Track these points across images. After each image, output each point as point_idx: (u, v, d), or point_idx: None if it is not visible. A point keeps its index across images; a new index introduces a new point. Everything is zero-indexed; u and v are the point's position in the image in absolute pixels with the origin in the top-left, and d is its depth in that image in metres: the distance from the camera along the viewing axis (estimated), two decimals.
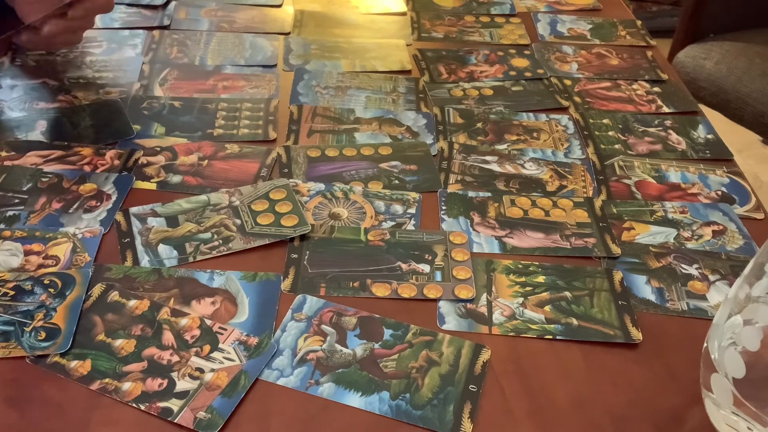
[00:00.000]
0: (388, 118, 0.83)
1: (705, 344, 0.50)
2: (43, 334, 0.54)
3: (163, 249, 0.63)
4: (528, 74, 0.93)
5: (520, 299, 0.60)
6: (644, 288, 0.62)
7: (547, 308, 0.60)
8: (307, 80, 0.88)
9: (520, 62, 0.96)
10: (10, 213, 0.65)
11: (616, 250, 0.66)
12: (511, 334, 0.57)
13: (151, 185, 0.70)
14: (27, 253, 0.61)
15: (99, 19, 0.94)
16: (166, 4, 1.02)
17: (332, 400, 0.52)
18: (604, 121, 0.85)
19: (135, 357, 0.53)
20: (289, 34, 0.99)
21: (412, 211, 0.69)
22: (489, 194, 0.72)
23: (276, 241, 0.64)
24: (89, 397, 0.51)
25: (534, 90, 0.90)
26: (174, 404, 0.50)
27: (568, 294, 0.61)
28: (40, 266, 0.60)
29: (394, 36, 1.00)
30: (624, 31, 1.06)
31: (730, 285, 0.61)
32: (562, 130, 0.83)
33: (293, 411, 0.51)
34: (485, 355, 0.55)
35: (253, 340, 0.55)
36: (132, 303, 0.57)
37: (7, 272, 0.59)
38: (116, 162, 0.73)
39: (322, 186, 0.71)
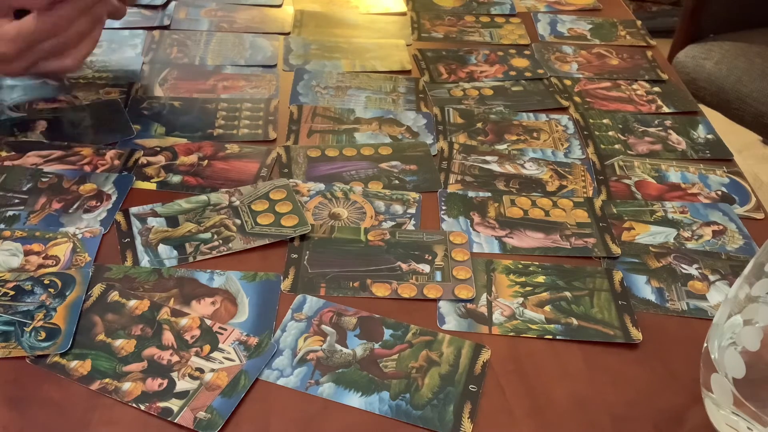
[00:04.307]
0: (388, 118, 0.83)
1: (705, 344, 0.50)
2: (43, 334, 0.54)
3: (163, 249, 0.63)
4: (528, 74, 0.93)
5: (520, 299, 0.60)
6: (644, 288, 0.62)
7: (547, 308, 0.60)
8: (307, 80, 0.88)
9: (520, 62, 0.96)
10: (10, 213, 0.65)
11: (616, 250, 0.66)
12: (511, 334, 0.57)
13: (151, 185, 0.70)
14: (27, 253, 0.61)
15: None
16: (166, 4, 1.02)
17: (332, 400, 0.52)
18: (604, 121, 0.85)
19: (135, 357, 0.53)
20: (289, 34, 0.99)
21: (412, 211, 0.69)
22: (489, 194, 0.72)
23: (276, 241, 0.64)
24: (89, 397, 0.51)
25: (534, 90, 0.90)
26: (174, 404, 0.50)
27: (568, 294, 0.61)
28: (40, 266, 0.60)
29: (394, 36, 1.00)
30: (624, 31, 1.06)
31: (730, 285, 0.61)
32: (562, 130, 0.83)
33: (293, 411, 0.51)
34: (485, 355, 0.55)
35: (253, 340, 0.55)
36: (132, 303, 0.57)
37: (7, 272, 0.59)
38: (116, 162, 0.73)
39: (322, 186, 0.71)
